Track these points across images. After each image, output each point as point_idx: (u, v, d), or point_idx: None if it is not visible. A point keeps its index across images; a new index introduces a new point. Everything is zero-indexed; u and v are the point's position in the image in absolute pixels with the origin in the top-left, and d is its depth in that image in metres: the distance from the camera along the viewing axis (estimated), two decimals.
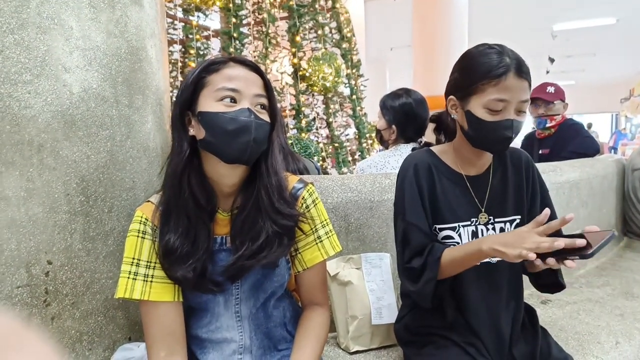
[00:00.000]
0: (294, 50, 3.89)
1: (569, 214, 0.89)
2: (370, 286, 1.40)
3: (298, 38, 3.88)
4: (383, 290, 1.41)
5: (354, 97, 4.42)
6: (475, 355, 1.09)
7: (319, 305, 1.08)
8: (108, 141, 1.14)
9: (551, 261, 0.89)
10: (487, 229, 1.14)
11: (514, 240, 0.93)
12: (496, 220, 1.15)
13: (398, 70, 12.44)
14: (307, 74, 3.79)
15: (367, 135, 4.50)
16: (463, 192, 1.15)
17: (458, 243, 1.13)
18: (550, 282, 1.14)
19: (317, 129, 4.15)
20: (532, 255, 0.87)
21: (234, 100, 0.91)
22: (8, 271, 1.00)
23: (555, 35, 9.60)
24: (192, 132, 0.93)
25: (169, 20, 3.61)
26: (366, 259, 1.44)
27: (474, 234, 1.14)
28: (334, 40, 4.30)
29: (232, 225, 0.99)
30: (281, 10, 4.08)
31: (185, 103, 0.93)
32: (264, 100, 0.95)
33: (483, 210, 1.15)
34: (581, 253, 0.85)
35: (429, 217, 1.13)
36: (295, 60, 3.88)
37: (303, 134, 3.81)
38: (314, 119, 4.13)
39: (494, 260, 1.14)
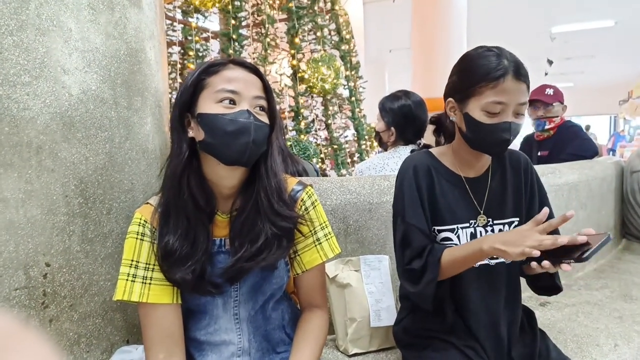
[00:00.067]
0: (293, 52, 3.89)
1: (569, 211, 0.89)
2: (369, 288, 1.40)
3: (297, 40, 3.88)
4: (382, 293, 1.41)
5: (353, 98, 4.42)
6: (474, 357, 1.09)
7: (317, 308, 1.08)
8: (107, 143, 1.14)
9: (547, 264, 0.90)
10: (486, 231, 1.14)
11: (515, 239, 0.93)
12: (495, 222, 1.15)
13: (397, 72, 12.45)
14: (306, 76, 3.78)
15: (366, 137, 4.50)
16: (462, 194, 1.15)
17: (456, 245, 1.13)
18: (548, 285, 1.14)
19: (316, 131, 4.15)
20: (536, 252, 0.87)
21: (233, 102, 0.91)
22: (6, 273, 1.00)
23: (554, 37, 9.62)
24: (191, 133, 0.94)
25: (168, 21, 3.61)
26: (365, 261, 1.44)
27: (473, 236, 1.14)
28: (333, 42, 4.30)
29: (231, 227, 0.99)
30: (280, 12, 4.08)
31: (185, 105, 0.93)
32: (263, 102, 0.95)
33: (482, 212, 1.15)
34: (577, 256, 0.86)
35: (428, 218, 1.13)
36: (294, 62, 3.88)
37: (302, 136, 3.81)
38: (313, 121, 4.12)
39: (493, 262, 1.14)
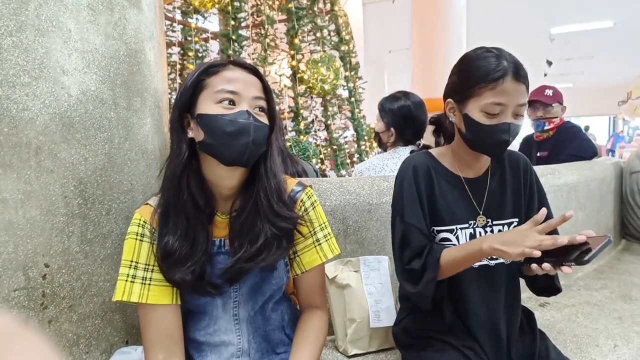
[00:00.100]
0: (292, 52, 3.89)
1: (568, 212, 0.89)
2: (368, 289, 1.40)
3: (297, 41, 3.89)
4: (381, 293, 1.41)
5: (353, 99, 4.42)
6: (474, 358, 1.09)
7: (317, 308, 1.08)
8: (106, 144, 1.14)
9: (547, 266, 0.89)
10: (485, 232, 1.14)
11: (515, 239, 0.93)
12: (494, 222, 1.15)
13: (396, 73, 12.47)
14: (306, 77, 3.79)
15: (366, 137, 4.51)
16: (461, 195, 1.15)
17: (455, 245, 1.13)
18: (547, 286, 1.15)
19: (315, 132, 4.15)
20: (536, 253, 0.87)
21: (232, 103, 0.91)
22: (5, 274, 1.00)
23: (553, 38, 9.64)
24: (191, 134, 0.94)
25: (168, 22, 3.61)
26: (364, 262, 1.44)
27: (472, 237, 1.14)
28: (332, 43, 4.30)
29: (230, 227, 0.99)
30: (280, 13, 4.08)
31: (185, 105, 0.93)
32: (263, 103, 0.95)
33: (481, 212, 1.15)
34: (578, 259, 0.85)
35: (427, 218, 1.13)
36: (294, 63, 3.88)
37: (301, 137, 3.82)
38: (312, 122, 4.13)
39: (492, 262, 1.14)
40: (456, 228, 1.14)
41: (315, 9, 4.15)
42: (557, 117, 2.68)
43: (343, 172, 4.12)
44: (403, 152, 2.01)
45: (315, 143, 4.06)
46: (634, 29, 9.21)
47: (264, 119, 0.95)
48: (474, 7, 6.61)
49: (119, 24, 1.17)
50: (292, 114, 3.93)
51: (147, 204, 0.99)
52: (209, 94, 0.91)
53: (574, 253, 0.87)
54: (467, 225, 1.14)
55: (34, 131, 1.02)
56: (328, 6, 4.33)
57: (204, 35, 3.81)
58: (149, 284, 0.93)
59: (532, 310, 1.27)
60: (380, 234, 1.61)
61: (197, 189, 0.94)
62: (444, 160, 1.18)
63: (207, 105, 0.91)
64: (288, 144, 3.42)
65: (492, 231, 1.15)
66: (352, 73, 4.47)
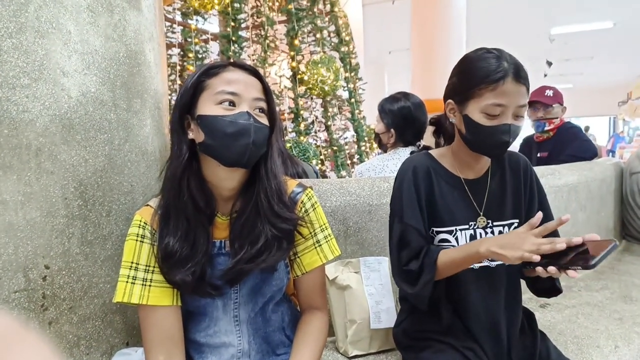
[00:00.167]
0: (292, 53, 3.89)
1: (565, 215, 0.89)
2: (369, 290, 1.40)
3: (297, 41, 3.89)
4: (382, 294, 1.41)
5: (353, 100, 4.43)
6: (474, 359, 1.08)
7: (317, 310, 1.08)
8: (106, 145, 1.14)
9: (552, 269, 0.89)
10: (486, 233, 1.14)
11: (512, 242, 0.93)
12: (494, 223, 1.15)
13: (396, 74, 12.48)
14: (306, 78, 3.79)
15: (366, 138, 4.51)
16: (461, 196, 1.15)
17: (454, 247, 1.13)
18: (548, 287, 1.14)
19: (315, 132, 4.16)
20: (536, 257, 0.87)
21: (233, 104, 0.91)
22: (5, 275, 1.00)
23: (553, 39, 9.64)
24: (191, 135, 0.94)
25: (168, 23, 3.61)
26: (365, 263, 1.44)
27: (472, 238, 1.14)
28: (332, 44, 4.31)
29: (231, 229, 0.99)
30: (280, 14, 4.09)
31: (185, 107, 0.93)
32: (263, 104, 0.95)
33: (481, 213, 1.15)
34: (583, 263, 0.85)
35: (426, 219, 1.13)
36: (294, 64, 3.88)
37: (302, 137, 3.82)
38: (312, 122, 4.13)
39: (493, 264, 1.14)
40: (455, 229, 1.14)
41: (315, 10, 4.16)
42: (557, 118, 2.68)
43: (343, 173, 4.12)
44: (403, 153, 2.01)
45: (316, 144, 4.07)
46: (634, 30, 9.22)
47: (264, 120, 0.95)
48: (474, 7, 6.62)
49: (119, 26, 1.17)
50: (292, 115, 3.93)
51: (147, 205, 0.99)
52: (209, 95, 0.91)
53: (571, 254, 0.87)
54: (467, 226, 1.14)
55: (34, 133, 1.02)
56: (328, 7, 4.33)
57: (204, 37, 3.82)
58: (150, 285, 0.93)
59: (532, 311, 1.27)
60: (380, 235, 1.61)
61: (198, 190, 0.94)
62: (444, 161, 1.18)
63: (208, 106, 0.91)
64: (288, 145, 3.42)
65: (492, 232, 1.15)
66: (352, 74, 4.47)
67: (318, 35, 4.13)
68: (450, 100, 1.13)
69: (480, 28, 7.91)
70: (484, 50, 1.07)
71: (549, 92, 2.65)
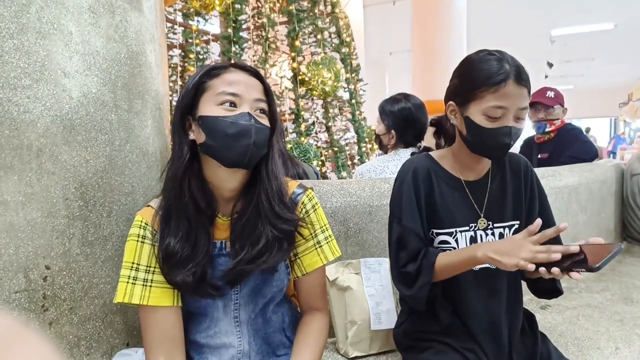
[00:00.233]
0: (293, 54, 3.89)
1: (562, 223, 0.89)
2: (369, 291, 1.40)
3: (297, 42, 3.89)
4: (382, 296, 1.40)
5: (353, 101, 4.43)
6: None
7: (318, 311, 1.08)
8: (107, 146, 1.14)
9: (556, 271, 0.89)
10: (486, 234, 1.14)
11: (509, 249, 0.93)
12: (495, 225, 1.15)
13: (397, 75, 12.48)
14: (307, 79, 3.79)
15: (367, 139, 4.51)
16: (462, 197, 1.15)
17: (454, 248, 1.13)
18: (548, 288, 1.14)
19: (316, 133, 4.16)
20: (531, 266, 0.87)
21: (234, 105, 0.91)
22: (6, 276, 1.00)
23: (554, 40, 9.64)
24: (192, 136, 0.94)
25: (169, 24, 3.61)
26: (365, 264, 1.44)
27: (473, 239, 1.14)
28: (333, 45, 4.31)
29: (232, 229, 0.99)
30: (281, 15, 4.09)
31: (186, 107, 0.93)
32: (264, 105, 0.95)
33: (482, 215, 1.15)
34: (588, 265, 0.85)
35: (425, 221, 1.13)
36: (295, 65, 3.88)
37: (302, 138, 3.82)
38: (313, 123, 4.13)
39: (493, 265, 1.14)
40: (455, 231, 1.14)
41: (316, 11, 4.16)
42: (558, 119, 2.68)
43: (344, 174, 4.12)
44: (404, 154, 2.01)
45: (316, 145, 4.07)
46: (635, 31, 9.22)
47: (265, 121, 0.95)
48: (475, 8, 6.62)
49: (120, 27, 1.17)
50: (293, 116, 3.93)
51: (148, 205, 0.99)
52: (211, 96, 0.92)
53: (582, 264, 0.87)
54: (467, 227, 1.14)
55: (35, 133, 1.02)
56: (329, 8, 4.33)
57: (205, 38, 3.81)
58: (150, 286, 0.93)
59: (533, 313, 1.26)
60: (380, 236, 1.61)
61: (199, 191, 0.94)
62: (445, 163, 1.18)
63: (209, 107, 0.91)
64: (289, 145, 3.42)
65: (492, 234, 1.15)
66: (353, 75, 4.47)
67: (319, 37, 4.13)
68: (451, 102, 1.13)
69: (481, 29, 7.91)
70: (485, 52, 1.07)
71: (550, 94, 2.65)
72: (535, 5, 7.90)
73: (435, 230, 1.15)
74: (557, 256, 0.86)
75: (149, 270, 0.94)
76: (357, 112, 4.45)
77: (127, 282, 0.92)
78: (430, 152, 1.24)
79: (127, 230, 0.98)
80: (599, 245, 0.90)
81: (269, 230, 0.96)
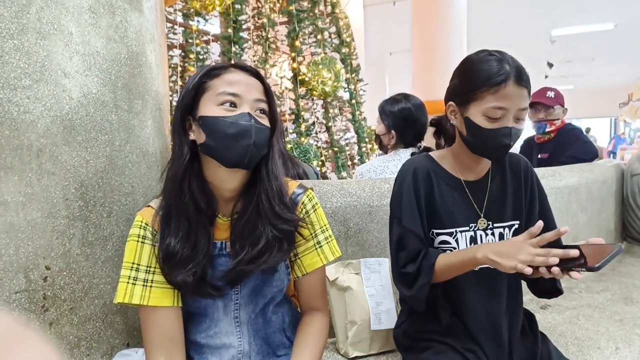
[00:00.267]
0: (293, 54, 3.89)
1: (563, 227, 0.89)
2: (369, 291, 1.40)
3: (297, 43, 3.89)
4: (382, 296, 1.40)
5: (354, 101, 4.43)
6: None
7: (318, 311, 1.08)
8: (107, 146, 1.14)
9: (556, 270, 0.89)
10: (486, 234, 1.14)
11: (508, 251, 0.93)
12: (495, 225, 1.15)
13: (397, 75, 12.48)
14: (307, 79, 3.79)
15: (367, 139, 4.51)
16: (462, 197, 1.15)
17: (454, 248, 1.13)
18: (549, 288, 1.14)
19: (316, 134, 4.16)
20: (527, 270, 0.87)
21: (234, 105, 0.91)
22: (6, 276, 1.00)
23: (554, 40, 9.64)
24: (192, 136, 0.94)
25: (169, 25, 3.61)
26: (365, 264, 1.44)
27: (473, 239, 1.14)
28: (333, 45, 4.31)
29: (232, 230, 0.99)
30: (281, 15, 4.09)
31: (186, 108, 0.93)
32: (264, 105, 0.96)
33: (482, 215, 1.15)
34: (588, 265, 0.86)
35: (425, 222, 1.13)
36: (295, 65, 3.88)
37: (302, 139, 3.82)
38: (313, 124, 4.13)
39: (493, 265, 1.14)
40: (455, 231, 1.14)
41: (316, 11, 4.16)
42: (558, 119, 2.68)
43: (344, 174, 4.12)
44: (404, 154, 2.01)
45: (316, 145, 4.06)
46: (635, 31, 9.22)
47: (265, 121, 0.95)
48: (475, 9, 6.62)
49: (120, 27, 1.17)
50: (293, 116, 3.93)
51: (148, 206, 0.99)
52: (211, 97, 0.92)
53: (582, 264, 0.87)
54: (467, 228, 1.14)
55: (35, 134, 1.02)
56: (329, 8, 4.34)
57: (205, 38, 3.82)
58: (151, 286, 0.93)
59: (533, 313, 1.26)
60: (381, 236, 1.61)
61: (199, 191, 0.94)
62: (445, 163, 1.18)
63: (209, 107, 0.91)
64: (289, 146, 3.42)
65: (492, 234, 1.15)
66: (353, 75, 4.47)
67: (319, 37, 4.13)
68: (451, 102, 1.13)
69: (481, 29, 7.91)
70: (485, 52, 1.07)
71: (551, 94, 2.65)
72: (535, 5, 7.90)
73: (435, 231, 1.15)
74: (555, 260, 0.86)
75: (149, 271, 0.94)
76: (357, 112, 4.46)
77: (128, 283, 0.92)
78: (430, 153, 1.24)
79: (127, 231, 0.98)
80: (599, 246, 0.90)
81: (269, 230, 0.96)
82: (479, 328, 1.13)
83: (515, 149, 2.59)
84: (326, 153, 4.16)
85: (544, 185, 1.25)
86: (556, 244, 0.92)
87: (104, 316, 1.16)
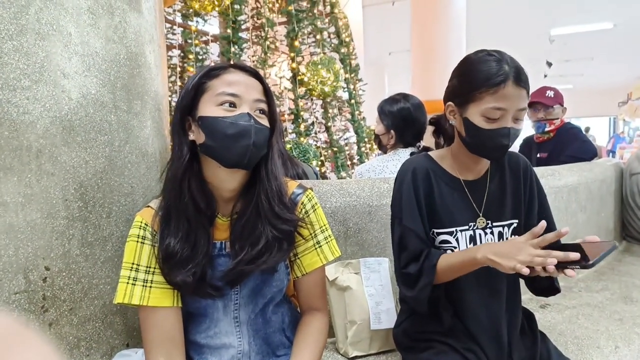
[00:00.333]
0: (292, 55, 3.89)
1: (564, 228, 0.89)
2: (369, 291, 1.40)
3: (297, 43, 3.89)
4: (382, 295, 1.41)
5: (353, 101, 4.43)
6: None
7: (317, 311, 1.08)
8: (106, 146, 1.14)
9: (551, 269, 0.89)
10: (486, 233, 1.15)
11: (508, 251, 0.93)
12: (494, 224, 1.15)
13: (396, 75, 12.49)
14: (306, 79, 3.79)
15: (366, 139, 4.51)
16: (461, 197, 1.15)
17: (455, 247, 1.14)
18: (546, 286, 1.15)
19: (315, 134, 4.16)
20: (525, 270, 0.87)
21: (233, 105, 0.91)
22: (6, 277, 1.00)
23: (553, 39, 9.64)
24: (192, 136, 0.94)
25: (168, 25, 3.61)
26: (365, 264, 1.44)
27: (472, 239, 1.14)
28: (332, 45, 4.31)
29: (231, 230, 0.99)
30: (280, 15, 4.09)
31: (186, 108, 0.93)
32: (264, 106, 0.96)
33: (481, 214, 1.15)
34: (582, 263, 0.86)
35: (426, 221, 1.14)
36: (294, 65, 3.89)
37: (302, 139, 3.82)
38: (312, 124, 4.13)
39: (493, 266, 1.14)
40: (455, 230, 1.14)
41: (315, 11, 4.16)
42: (557, 119, 2.68)
43: (343, 174, 4.12)
44: (403, 154, 2.01)
45: (316, 145, 4.06)
46: (634, 31, 9.22)
47: (265, 122, 0.95)
48: (474, 8, 6.62)
49: (119, 28, 1.17)
50: (292, 116, 3.93)
51: (148, 206, 0.99)
52: (210, 97, 0.92)
53: (576, 262, 0.88)
54: (467, 227, 1.14)
55: (34, 134, 1.02)
56: (328, 8, 4.34)
57: (204, 38, 3.82)
58: (150, 287, 0.93)
59: (532, 312, 1.27)
60: (380, 235, 1.61)
61: (198, 191, 0.94)
62: (444, 163, 1.19)
63: (208, 107, 0.91)
64: (288, 146, 3.42)
65: (492, 233, 1.15)
66: (352, 75, 4.48)
67: (318, 37, 4.13)
68: (450, 103, 1.13)
69: (480, 29, 7.92)
70: (484, 52, 1.07)
71: (550, 93, 2.65)
72: (534, 5, 7.90)
73: (435, 230, 1.15)
74: (554, 262, 0.86)
75: (149, 271, 0.94)
76: (357, 112, 4.46)
77: (127, 283, 0.92)
78: (429, 152, 1.24)
79: (126, 231, 0.98)
80: (595, 243, 0.91)
81: (268, 230, 0.96)
82: (480, 328, 1.13)
83: (515, 148, 2.60)
84: (325, 153, 4.16)
85: (544, 184, 1.25)
86: (555, 243, 0.92)
87: (103, 316, 1.16)
